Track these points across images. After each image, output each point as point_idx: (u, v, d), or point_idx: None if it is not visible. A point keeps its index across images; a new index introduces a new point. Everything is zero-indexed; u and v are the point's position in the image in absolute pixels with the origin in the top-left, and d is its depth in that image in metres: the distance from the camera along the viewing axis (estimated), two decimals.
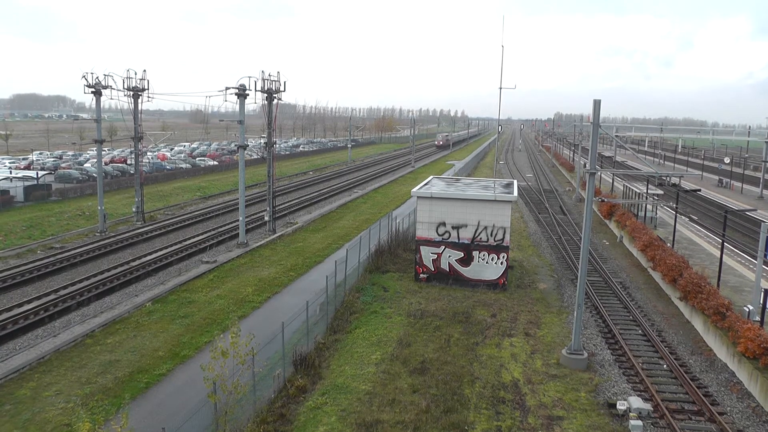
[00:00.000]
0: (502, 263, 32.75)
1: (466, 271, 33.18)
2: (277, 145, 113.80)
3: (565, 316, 28.63)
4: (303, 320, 24.17)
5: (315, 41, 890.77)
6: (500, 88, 35.69)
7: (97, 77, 46.68)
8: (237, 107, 43.15)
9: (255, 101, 44.96)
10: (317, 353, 23.25)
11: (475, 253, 32.94)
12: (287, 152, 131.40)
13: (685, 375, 22.24)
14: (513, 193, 34.50)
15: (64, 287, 32.65)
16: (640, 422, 18.34)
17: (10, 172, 71.24)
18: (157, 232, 47.77)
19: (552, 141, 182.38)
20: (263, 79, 43.76)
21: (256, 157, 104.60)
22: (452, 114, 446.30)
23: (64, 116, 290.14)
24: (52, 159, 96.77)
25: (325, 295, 27.28)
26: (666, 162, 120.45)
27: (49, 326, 27.90)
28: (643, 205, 48.56)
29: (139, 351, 24.43)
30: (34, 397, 20.75)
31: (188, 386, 20.97)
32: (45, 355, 24.07)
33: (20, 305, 29.81)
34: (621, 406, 19.53)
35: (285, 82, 45.09)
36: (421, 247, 33.71)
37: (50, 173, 75.23)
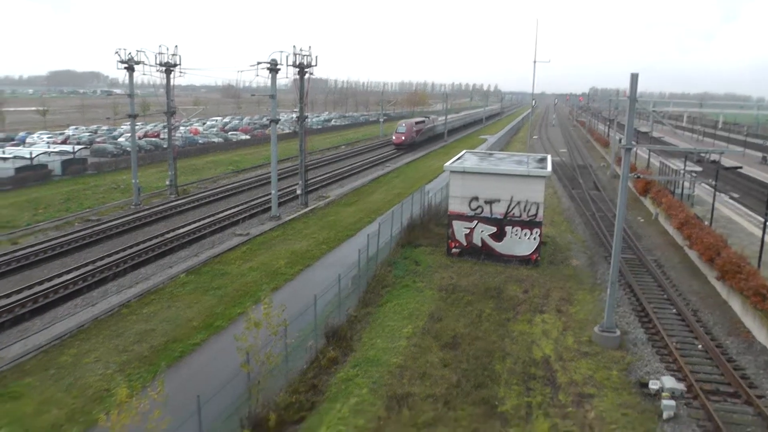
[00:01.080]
0: (534, 239, 32.46)
1: (498, 247, 32.97)
2: (309, 120, 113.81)
3: (598, 293, 28.32)
4: (335, 293, 24.32)
5: (347, 15, 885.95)
6: (534, 62, 34.93)
7: (130, 53, 47.09)
8: (269, 82, 43.16)
9: (287, 76, 44.87)
10: (349, 326, 23.41)
11: (507, 229, 32.69)
12: (319, 126, 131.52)
13: (720, 356, 21.74)
14: (547, 168, 34.07)
15: (101, 258, 33.26)
16: (672, 402, 18.08)
17: (48, 147, 72.49)
18: (190, 205, 48.32)
19: (586, 116, 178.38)
20: (295, 54, 43.67)
21: (288, 131, 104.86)
22: (485, 88, 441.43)
23: (98, 92, 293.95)
24: (88, 134, 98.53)
25: (357, 269, 27.37)
26: (705, 138, 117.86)
27: (87, 296, 28.53)
28: (680, 182, 47.62)
29: (173, 321, 24.87)
30: (75, 363, 21.32)
31: (221, 356, 21.28)
32: (84, 324, 24.67)
33: (60, 275, 30.49)
34: (653, 385, 19.25)
35: (317, 57, 44.84)
36: (453, 221, 33.55)
37: (86, 148, 76.49)
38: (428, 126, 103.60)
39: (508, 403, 18.25)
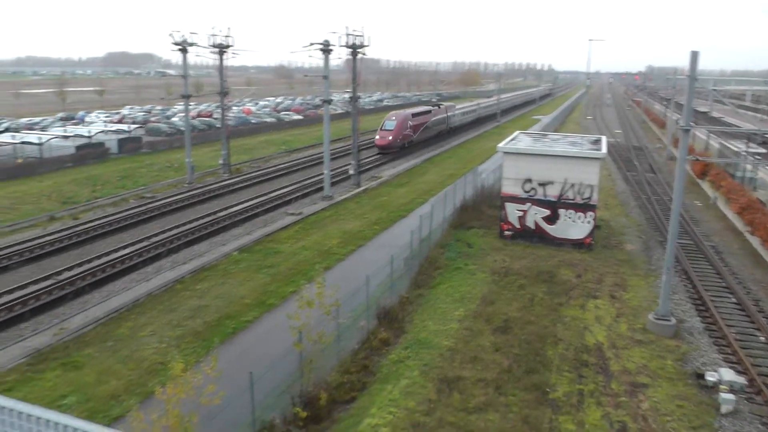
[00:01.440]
0: (588, 222, 31.85)
1: (551, 230, 32.47)
2: (361, 100, 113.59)
3: (653, 279, 27.65)
4: (387, 274, 24.32)
5: None
6: (590, 40, 34.01)
7: (183, 36, 47.76)
8: (320, 62, 43.38)
9: (339, 57, 44.91)
10: (401, 307, 23.41)
11: (561, 211, 32.14)
12: (371, 107, 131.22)
13: None
14: (601, 150, 33.31)
15: (156, 235, 34.04)
16: (732, 396, 17.42)
17: (105, 126, 74.32)
18: (242, 184, 48.97)
19: (642, 95, 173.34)
20: (347, 35, 43.60)
21: (340, 111, 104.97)
22: (538, 68, 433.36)
23: (152, 73, 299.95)
24: (142, 113, 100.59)
25: (409, 250, 27.32)
26: None
27: (142, 271, 29.32)
28: (742, 164, 45.95)
29: (226, 298, 25.31)
30: (131, 336, 21.98)
31: (273, 334, 21.56)
32: (139, 298, 25.38)
33: (117, 250, 31.35)
34: (710, 377, 18.58)
35: (369, 37, 44.70)
36: (506, 203, 33.15)
37: (140, 127, 78.19)
38: (437, 117, 75.49)
39: (559, 389, 18.03)
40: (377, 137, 65.05)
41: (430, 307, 24.03)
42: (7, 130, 72.61)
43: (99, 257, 30.30)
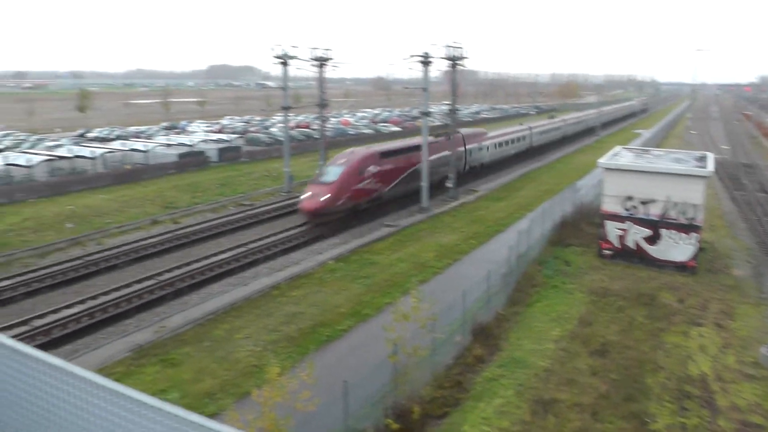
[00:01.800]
0: (692, 244, 30.48)
1: (652, 250, 31.30)
2: (460, 112, 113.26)
3: (765, 308, 26.12)
4: (483, 290, 24.13)
5: (498, 5, 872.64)
6: (697, 50, 32.37)
7: (284, 49, 49.35)
8: (418, 74, 43.86)
9: (438, 69, 45.43)
10: (496, 324, 23.15)
11: (663, 232, 30.93)
12: (469, 119, 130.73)
13: None
14: (707, 168, 31.84)
15: (253, 241, 35.15)
16: None
17: (206, 136, 77.71)
18: None
19: (753, 108, 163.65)
20: (446, 46, 43.90)
21: (437, 123, 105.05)
22: (639, 79, 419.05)
23: (252, 84, 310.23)
24: (242, 123, 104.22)
25: (505, 266, 27.01)
26: None
27: (240, 275, 30.33)
28: None
29: (321, 306, 25.78)
30: (227, 337, 22.76)
31: (367, 344, 21.78)
32: (236, 302, 26.20)
33: (215, 255, 32.60)
34: None
35: (467, 49, 44.79)
36: (606, 221, 32.23)
37: (240, 137, 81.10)
38: (438, 156, 48.12)
39: (660, 421, 17.30)
40: (305, 194, 38.91)
41: (526, 325, 23.65)
42: (117, 138, 77.39)
43: (198, 260, 31.65)
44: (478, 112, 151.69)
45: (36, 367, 2.60)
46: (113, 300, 26.03)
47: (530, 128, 74.36)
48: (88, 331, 23.94)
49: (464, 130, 57.24)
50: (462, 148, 53.16)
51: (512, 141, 67.80)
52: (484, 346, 21.36)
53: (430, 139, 45.20)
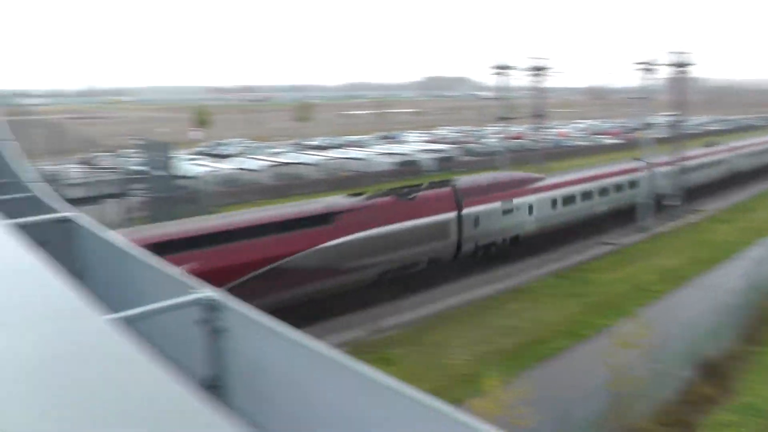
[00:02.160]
0: None
1: None
2: (685, 123, 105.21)
3: None
4: (710, 321, 22.35)
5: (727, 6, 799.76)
6: None
7: (501, 59, 50.03)
8: (635, 83, 42.09)
9: (657, 78, 43.19)
10: (727, 362, 21.28)
11: None
12: (695, 131, 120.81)
13: None
14: None
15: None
16: None
17: (421, 146, 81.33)
18: None
19: None
20: (671, 53, 41.62)
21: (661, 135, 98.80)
22: None
23: (464, 94, 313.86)
24: (455, 134, 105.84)
25: (736, 297, 24.73)
26: None
27: (455, 284, 30.65)
28: None
29: (537, 321, 25.61)
30: (440, 343, 23.50)
31: (584, 366, 21.16)
32: (450, 310, 26.84)
33: None
34: None
35: (694, 55, 42.05)
36: None
37: (455, 146, 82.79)
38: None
39: None
40: None
41: (765, 367, 21.45)
42: (335, 147, 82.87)
43: None
44: (701, 124, 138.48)
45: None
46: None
47: (734, 151, 52.03)
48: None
49: (464, 180, 34.76)
50: (449, 215, 30.79)
51: (703, 166, 48.32)
52: (712, 385, 19.73)
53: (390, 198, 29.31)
